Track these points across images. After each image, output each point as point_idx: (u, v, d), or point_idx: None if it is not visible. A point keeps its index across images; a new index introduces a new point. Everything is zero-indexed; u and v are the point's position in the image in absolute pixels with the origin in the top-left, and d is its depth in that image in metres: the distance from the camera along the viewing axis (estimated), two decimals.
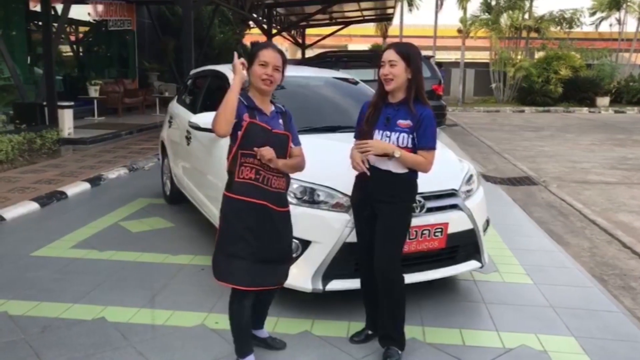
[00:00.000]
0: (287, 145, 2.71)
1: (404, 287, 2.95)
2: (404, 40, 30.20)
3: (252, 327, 2.92)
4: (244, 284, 2.63)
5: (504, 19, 25.79)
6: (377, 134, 2.88)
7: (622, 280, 4.45)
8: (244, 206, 2.59)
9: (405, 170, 2.86)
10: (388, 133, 2.86)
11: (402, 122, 2.84)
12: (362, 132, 2.95)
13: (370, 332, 3.15)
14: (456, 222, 3.54)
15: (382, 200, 2.88)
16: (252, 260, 2.62)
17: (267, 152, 2.57)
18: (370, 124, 2.91)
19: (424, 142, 2.84)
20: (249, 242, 2.60)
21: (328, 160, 3.78)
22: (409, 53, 2.84)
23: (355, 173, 2.99)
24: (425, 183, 3.13)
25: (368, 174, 2.84)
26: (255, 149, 2.57)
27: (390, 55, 2.84)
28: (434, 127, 2.87)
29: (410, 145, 2.84)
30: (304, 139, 4.19)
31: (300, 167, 2.83)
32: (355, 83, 5.41)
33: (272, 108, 2.78)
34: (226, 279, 2.65)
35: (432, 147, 2.86)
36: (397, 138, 2.84)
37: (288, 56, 40.33)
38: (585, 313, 3.63)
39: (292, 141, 2.75)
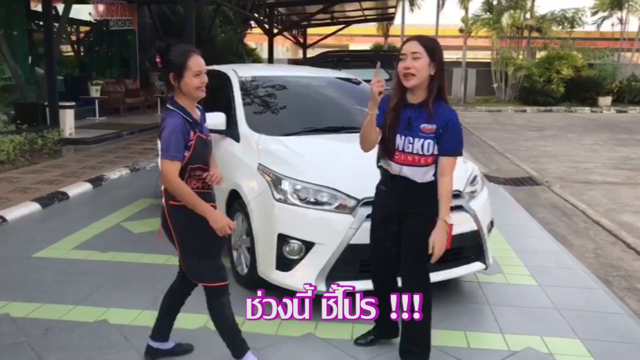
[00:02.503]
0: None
1: (431, 300, 2.84)
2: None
3: (159, 338, 2.92)
4: (221, 279, 2.70)
5: (506, 19, 25.73)
6: (399, 140, 2.65)
7: (627, 282, 4.42)
8: (196, 213, 2.57)
9: (432, 179, 2.68)
10: (410, 139, 2.63)
11: (426, 127, 2.61)
12: (384, 139, 2.70)
13: (374, 337, 3.10)
14: (460, 223, 3.49)
15: (408, 212, 2.71)
16: (216, 257, 2.71)
17: (218, 175, 2.70)
18: (392, 130, 2.66)
19: (448, 148, 2.61)
20: (211, 241, 2.65)
21: (332, 162, 3.77)
22: (434, 46, 2.59)
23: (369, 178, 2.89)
24: None
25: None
26: (208, 176, 2.66)
27: (413, 46, 2.58)
28: (461, 130, 2.66)
29: (435, 152, 2.63)
30: (307, 139, 4.23)
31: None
32: (358, 83, 5.39)
33: (198, 112, 2.73)
34: (205, 279, 2.70)
35: (459, 153, 2.65)
36: (422, 145, 2.61)
37: (289, 56, 40.34)
38: (590, 315, 3.60)
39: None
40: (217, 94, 5.16)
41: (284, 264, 3.41)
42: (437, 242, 2.58)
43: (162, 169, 2.50)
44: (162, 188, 2.66)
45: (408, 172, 2.69)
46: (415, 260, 2.76)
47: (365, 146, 2.77)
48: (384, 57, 11.52)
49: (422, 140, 2.61)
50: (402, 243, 2.77)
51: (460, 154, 2.69)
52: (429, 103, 2.61)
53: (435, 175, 2.67)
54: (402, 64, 2.60)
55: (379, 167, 2.87)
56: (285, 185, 3.46)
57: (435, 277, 3.57)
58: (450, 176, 2.64)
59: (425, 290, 2.80)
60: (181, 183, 2.52)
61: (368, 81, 5.52)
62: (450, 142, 2.61)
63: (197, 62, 2.56)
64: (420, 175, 2.68)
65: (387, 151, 2.71)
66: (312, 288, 3.27)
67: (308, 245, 3.33)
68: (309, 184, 3.42)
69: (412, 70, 2.57)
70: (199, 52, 2.62)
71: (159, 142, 2.61)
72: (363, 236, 3.22)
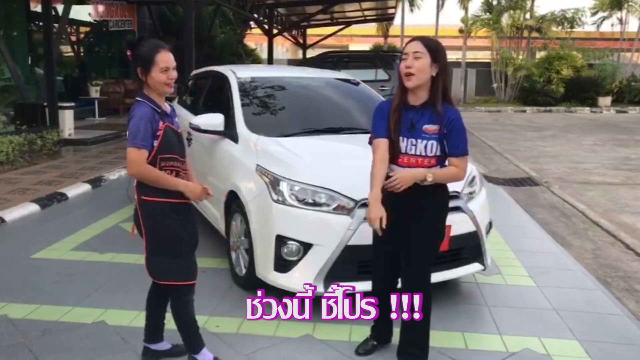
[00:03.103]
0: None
1: (431, 304, 2.84)
2: (406, 40, 30.17)
3: (152, 340, 2.93)
4: (192, 278, 2.73)
5: (505, 19, 25.74)
6: (402, 142, 2.62)
7: (626, 283, 4.41)
8: (170, 208, 2.60)
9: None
10: (414, 141, 2.59)
11: (428, 128, 2.57)
12: (390, 140, 2.65)
13: (375, 342, 3.08)
14: (459, 224, 3.51)
15: (413, 216, 2.68)
16: (189, 256, 2.72)
17: (207, 189, 2.71)
18: (396, 132, 2.62)
19: (455, 148, 2.59)
20: (184, 239, 2.66)
21: (330, 163, 3.77)
22: (437, 47, 2.56)
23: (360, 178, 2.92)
24: None
25: (380, 234, 2.55)
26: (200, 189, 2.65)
27: (415, 46, 2.55)
28: (465, 130, 2.63)
29: (439, 153, 2.60)
30: (306, 140, 4.23)
31: None
32: (357, 84, 5.39)
33: (168, 107, 2.74)
34: (173, 278, 2.70)
35: (466, 153, 2.62)
36: (425, 146, 2.58)
37: (289, 56, 40.23)
38: (588, 316, 3.60)
39: None
40: (216, 95, 5.17)
41: (282, 265, 3.41)
42: (401, 176, 2.54)
43: (128, 157, 2.47)
44: (134, 184, 2.65)
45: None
46: (420, 261, 2.77)
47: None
48: (383, 57, 11.53)
49: (425, 141, 2.59)
50: (406, 244, 2.76)
51: (467, 153, 2.66)
52: (437, 104, 2.58)
53: None
54: (404, 63, 2.58)
55: None
56: (284, 186, 3.46)
57: (434, 278, 3.55)
58: (462, 170, 2.64)
59: (426, 291, 2.80)
60: (148, 167, 2.50)
61: (367, 82, 5.56)
62: (458, 143, 2.59)
63: (164, 58, 2.56)
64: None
65: (391, 155, 2.66)
66: (312, 288, 3.28)
67: (306, 247, 3.33)
68: (307, 185, 3.42)
69: (413, 70, 2.54)
70: (168, 48, 2.62)
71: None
72: (361, 237, 3.23)
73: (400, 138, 2.62)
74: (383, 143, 2.64)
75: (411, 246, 2.75)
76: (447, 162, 2.69)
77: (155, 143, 2.55)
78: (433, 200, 2.70)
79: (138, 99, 2.63)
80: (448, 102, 2.61)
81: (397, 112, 2.64)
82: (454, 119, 2.57)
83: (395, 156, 2.66)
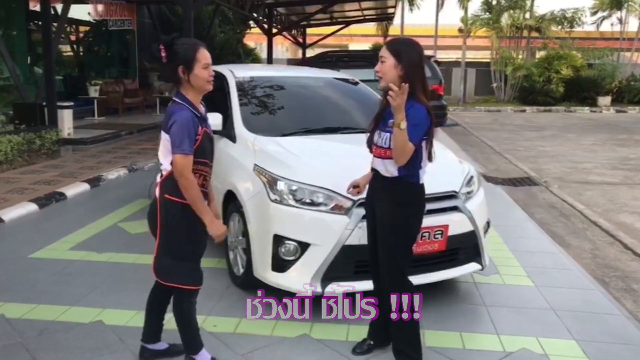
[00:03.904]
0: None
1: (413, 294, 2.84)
2: None
3: (150, 340, 2.94)
4: (198, 283, 2.75)
5: (505, 19, 25.72)
6: (376, 135, 2.82)
7: (624, 283, 4.41)
8: (189, 210, 2.59)
9: (395, 174, 2.71)
10: (380, 133, 2.80)
11: (390, 122, 2.68)
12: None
13: (372, 342, 3.08)
14: (456, 224, 3.51)
15: (379, 205, 2.83)
16: (195, 261, 2.74)
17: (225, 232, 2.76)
18: (375, 127, 2.86)
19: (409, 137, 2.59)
20: (196, 243, 2.69)
21: (328, 162, 3.76)
22: (399, 49, 2.69)
23: (355, 177, 2.96)
24: (425, 185, 3.09)
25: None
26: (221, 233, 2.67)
27: (381, 51, 2.75)
28: (421, 124, 2.62)
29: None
30: (304, 140, 4.22)
31: None
32: (356, 84, 5.38)
33: (203, 108, 2.74)
34: (178, 281, 2.70)
35: (414, 142, 2.59)
36: (383, 138, 2.74)
37: (289, 56, 40.15)
38: (586, 316, 3.60)
39: None
40: (214, 94, 5.15)
41: (280, 264, 3.41)
42: (402, 94, 2.51)
43: (178, 162, 2.49)
44: (159, 180, 2.67)
45: (377, 164, 2.83)
46: (385, 258, 2.80)
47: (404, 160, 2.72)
48: None
49: (385, 134, 2.75)
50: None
51: (415, 143, 2.61)
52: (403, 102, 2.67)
53: (401, 171, 2.70)
54: (376, 67, 2.77)
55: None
56: (281, 186, 3.46)
57: (432, 277, 3.58)
58: (410, 150, 2.64)
59: (399, 291, 2.79)
60: (193, 179, 2.54)
61: (366, 81, 5.55)
62: (409, 133, 2.58)
63: (205, 55, 2.61)
64: (384, 168, 2.76)
65: (368, 146, 2.90)
66: (312, 288, 3.28)
67: (304, 246, 3.33)
68: (304, 184, 3.42)
69: (380, 73, 2.73)
70: (205, 45, 2.67)
71: (163, 134, 2.59)
72: (358, 237, 3.23)
73: (376, 132, 2.83)
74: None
75: (378, 243, 2.84)
76: (424, 152, 2.75)
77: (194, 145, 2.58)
78: (391, 196, 2.77)
79: (176, 100, 2.61)
80: (416, 99, 2.66)
81: (379, 111, 2.87)
82: (410, 112, 2.59)
83: (370, 147, 2.89)
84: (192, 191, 2.53)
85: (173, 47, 2.55)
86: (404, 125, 2.54)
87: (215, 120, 4.29)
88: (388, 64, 2.69)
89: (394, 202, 2.77)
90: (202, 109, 2.70)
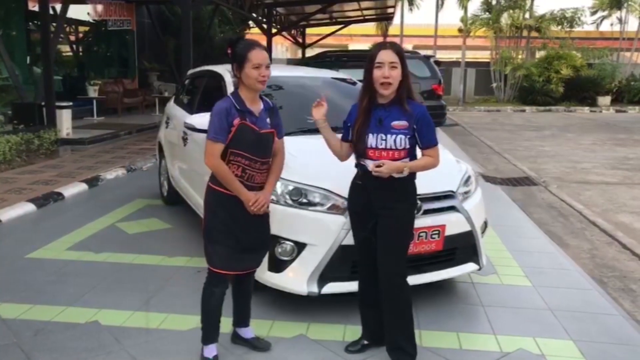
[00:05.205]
0: (272, 142, 2.86)
1: (410, 293, 2.88)
2: (405, 40, 30.21)
3: (235, 324, 3.07)
4: (224, 266, 2.82)
5: (505, 19, 25.69)
6: (372, 138, 2.77)
7: (622, 283, 4.40)
8: (226, 198, 2.76)
9: (406, 173, 2.78)
10: (383, 136, 2.76)
11: (397, 124, 2.75)
12: (356, 140, 2.85)
13: (366, 342, 3.07)
14: (454, 224, 3.50)
15: (386, 206, 2.80)
16: (234, 248, 2.80)
17: (262, 201, 2.78)
18: (361, 131, 2.80)
19: (427, 141, 2.80)
20: (231, 230, 2.78)
21: (324, 162, 3.74)
22: (402, 53, 2.77)
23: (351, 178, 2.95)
24: (423, 185, 3.08)
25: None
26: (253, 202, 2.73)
27: (390, 56, 2.72)
28: (432, 123, 2.83)
29: (407, 145, 2.77)
30: (300, 139, 4.20)
31: (281, 167, 2.98)
32: (354, 83, 5.36)
33: (262, 106, 2.84)
34: (208, 261, 2.85)
35: (436, 144, 2.83)
36: (395, 140, 2.75)
37: (288, 56, 40.15)
38: (584, 316, 3.59)
39: (277, 135, 2.90)
40: (212, 94, 5.15)
41: (276, 265, 3.39)
42: (388, 165, 2.70)
43: (205, 148, 2.73)
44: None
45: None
46: (393, 255, 2.82)
47: (342, 159, 3.03)
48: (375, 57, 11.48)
49: (394, 135, 2.75)
50: (379, 239, 2.84)
51: (437, 143, 2.84)
52: (403, 103, 2.77)
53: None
54: (380, 72, 2.73)
55: (356, 165, 2.94)
56: (278, 185, 3.44)
57: (429, 277, 3.57)
58: (436, 158, 2.83)
59: (402, 285, 2.85)
60: (220, 163, 2.70)
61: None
62: (427, 136, 2.79)
63: (257, 56, 2.70)
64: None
65: (360, 151, 2.84)
66: (309, 288, 3.27)
67: (300, 246, 3.32)
68: (301, 184, 3.41)
69: (391, 80, 2.72)
70: (262, 47, 2.77)
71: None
72: None
73: (370, 135, 2.78)
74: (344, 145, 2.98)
75: (384, 241, 2.83)
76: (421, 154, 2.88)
77: (229, 135, 2.70)
78: (402, 195, 2.84)
79: (227, 95, 2.82)
80: (412, 98, 2.81)
81: (364, 113, 2.82)
82: (421, 116, 2.77)
83: (363, 152, 2.81)
84: (221, 174, 2.71)
85: (236, 45, 2.73)
86: (407, 171, 2.73)
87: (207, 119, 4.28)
88: (399, 71, 2.73)
89: (409, 202, 2.86)
90: (256, 107, 2.80)
